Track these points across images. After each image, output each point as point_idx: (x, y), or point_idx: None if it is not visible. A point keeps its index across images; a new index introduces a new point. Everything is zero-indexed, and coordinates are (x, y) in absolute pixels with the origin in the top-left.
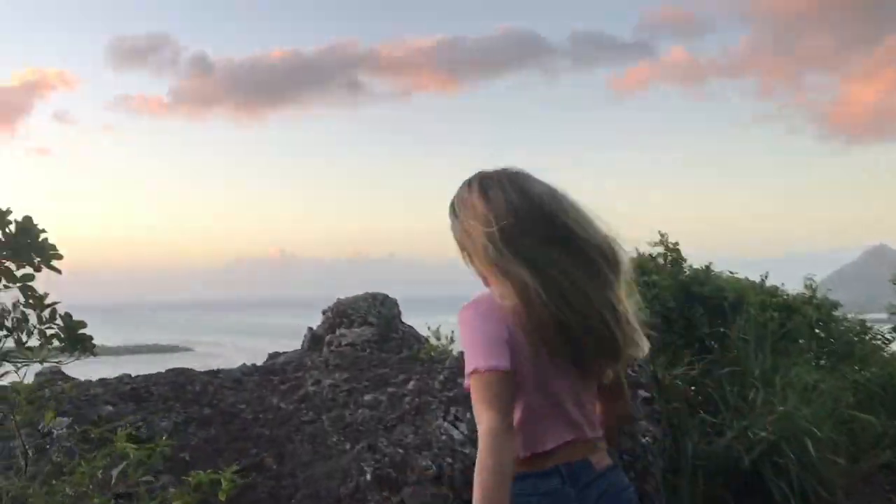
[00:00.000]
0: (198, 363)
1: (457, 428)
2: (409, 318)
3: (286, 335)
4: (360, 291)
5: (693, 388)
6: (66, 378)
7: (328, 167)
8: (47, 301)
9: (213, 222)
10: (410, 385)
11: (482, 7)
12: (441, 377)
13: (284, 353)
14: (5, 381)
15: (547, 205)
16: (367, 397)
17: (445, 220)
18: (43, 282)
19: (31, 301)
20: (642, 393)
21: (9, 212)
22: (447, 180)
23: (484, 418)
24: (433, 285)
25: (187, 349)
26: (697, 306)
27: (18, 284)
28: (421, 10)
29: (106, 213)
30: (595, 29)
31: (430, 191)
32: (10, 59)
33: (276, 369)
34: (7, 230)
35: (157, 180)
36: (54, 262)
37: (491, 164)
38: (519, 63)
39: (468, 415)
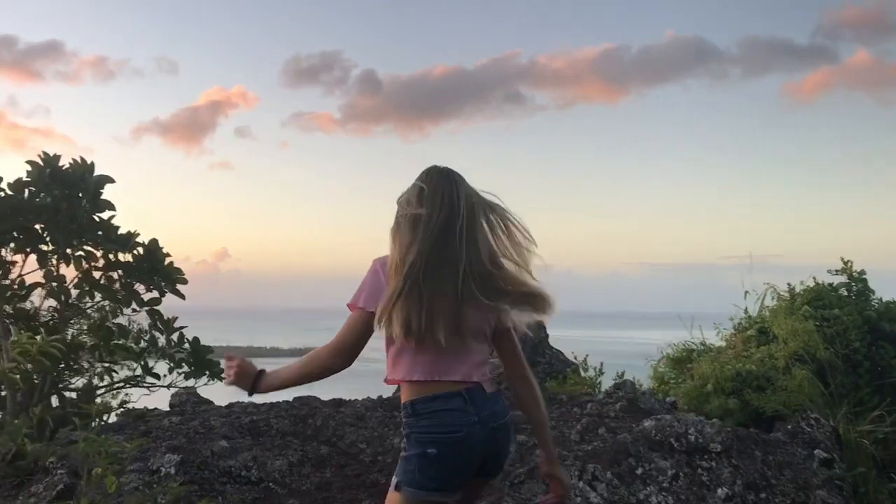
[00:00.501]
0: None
1: (594, 489)
2: (557, 332)
3: None
4: None
5: (883, 447)
6: (201, 400)
7: (488, 180)
8: (170, 324)
9: (376, 233)
10: None
11: (648, 14)
12: (579, 426)
13: None
14: (140, 405)
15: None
16: None
17: (600, 231)
18: (231, 281)
19: (158, 325)
20: (820, 453)
21: (136, 234)
22: (604, 190)
23: None
24: (584, 299)
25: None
26: (888, 347)
27: (146, 308)
28: (585, 20)
29: (281, 222)
30: (767, 34)
31: (587, 200)
32: (200, 80)
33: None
34: (135, 252)
35: (327, 191)
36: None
37: (654, 174)
38: (687, 70)
39: (608, 474)
